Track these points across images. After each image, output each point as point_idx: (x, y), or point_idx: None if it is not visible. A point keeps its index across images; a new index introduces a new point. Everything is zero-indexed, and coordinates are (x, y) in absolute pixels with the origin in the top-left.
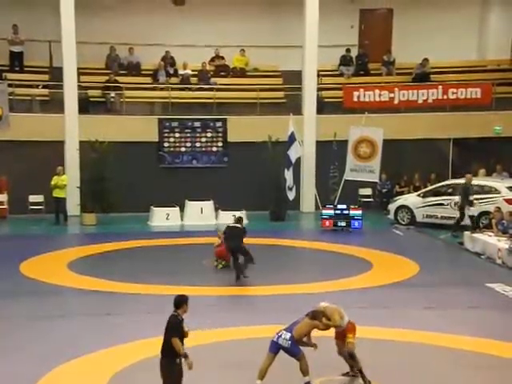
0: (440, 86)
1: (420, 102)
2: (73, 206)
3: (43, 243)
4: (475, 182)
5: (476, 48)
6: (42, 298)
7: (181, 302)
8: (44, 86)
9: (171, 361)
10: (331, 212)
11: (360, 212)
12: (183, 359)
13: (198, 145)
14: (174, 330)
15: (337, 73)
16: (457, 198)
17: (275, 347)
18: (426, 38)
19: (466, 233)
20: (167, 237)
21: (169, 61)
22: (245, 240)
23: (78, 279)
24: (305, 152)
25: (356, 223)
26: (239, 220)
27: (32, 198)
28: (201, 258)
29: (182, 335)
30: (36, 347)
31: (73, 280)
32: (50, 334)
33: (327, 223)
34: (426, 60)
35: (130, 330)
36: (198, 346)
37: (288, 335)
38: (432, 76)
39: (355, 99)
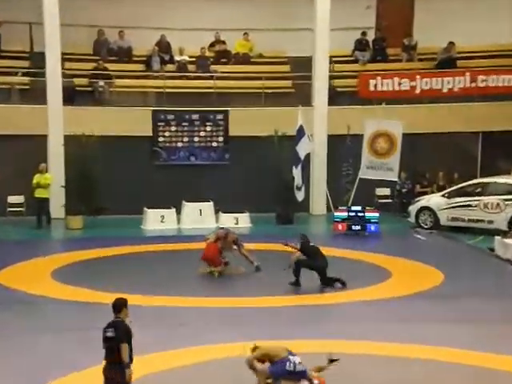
0: (467, 73)
1: (445, 91)
2: (57, 207)
3: (24, 249)
4: (507, 181)
5: (508, 30)
6: (24, 310)
7: (122, 305)
8: (24, 74)
9: (122, 368)
10: (344, 214)
11: (377, 214)
12: (125, 369)
13: (196, 140)
14: (128, 336)
15: (351, 59)
16: (486, 199)
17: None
18: (452, 19)
19: (497, 238)
20: (162, 242)
21: (164, 46)
22: (248, 245)
23: (63, 289)
24: (315, 148)
25: (372, 227)
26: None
27: (11, 199)
28: (198, 265)
29: (131, 342)
30: (19, 364)
31: (57, 290)
32: (34, 349)
33: (340, 227)
34: (451, 44)
35: None
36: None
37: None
38: (458, 62)
39: (372, 88)
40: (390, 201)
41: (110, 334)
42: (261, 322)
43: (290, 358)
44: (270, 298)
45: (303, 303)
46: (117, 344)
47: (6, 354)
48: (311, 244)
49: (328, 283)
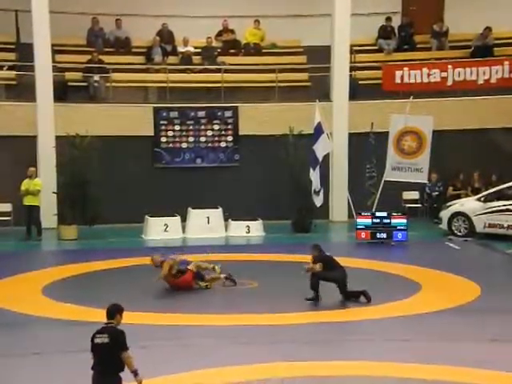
0: (506, 62)
1: (480, 82)
2: (48, 216)
3: (12, 262)
4: None
5: None
6: (11, 330)
7: (117, 311)
8: (10, 67)
9: (117, 378)
10: (368, 221)
11: (404, 221)
12: (135, 377)
13: (202, 140)
14: (124, 343)
15: (375, 48)
16: None
17: None
18: (488, 1)
19: None
20: (165, 253)
21: (166, 36)
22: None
23: (54, 307)
24: (335, 147)
25: (399, 235)
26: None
27: None
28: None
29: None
30: None
31: (48, 308)
32: (22, 375)
33: (363, 235)
34: (488, 29)
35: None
36: None
37: None
38: (496, 49)
39: (398, 81)
40: (418, 205)
41: (102, 340)
42: (277, 342)
43: None
44: (286, 314)
45: (324, 320)
46: (112, 353)
47: None
48: (327, 253)
49: (350, 296)
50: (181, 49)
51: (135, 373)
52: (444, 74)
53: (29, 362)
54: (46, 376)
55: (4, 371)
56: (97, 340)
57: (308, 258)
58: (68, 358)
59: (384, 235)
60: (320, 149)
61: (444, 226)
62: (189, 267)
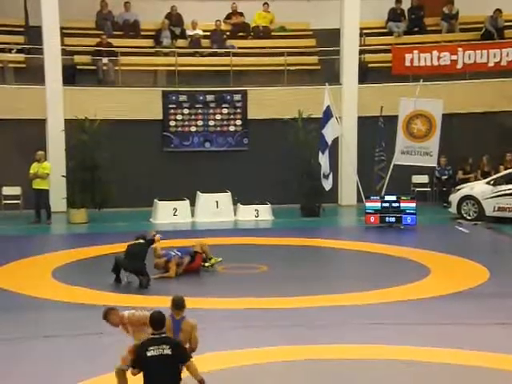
0: None
1: (491, 65)
2: (57, 199)
3: (21, 246)
4: None
5: None
6: (21, 313)
7: (164, 320)
8: (18, 51)
9: None
10: (377, 205)
11: (414, 205)
12: None
13: (211, 123)
14: (187, 351)
15: (384, 31)
16: None
17: None
18: None
19: None
20: (174, 237)
21: (174, 19)
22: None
23: (64, 290)
24: (344, 131)
25: (409, 218)
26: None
27: (6, 191)
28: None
29: None
30: (14, 375)
31: (58, 291)
32: (31, 358)
33: (372, 219)
34: (498, 11)
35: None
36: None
37: None
38: (506, 32)
39: (407, 64)
40: (428, 189)
41: (161, 351)
42: (287, 326)
43: None
44: (295, 298)
45: (333, 304)
46: (173, 364)
47: (7, 362)
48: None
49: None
50: (189, 32)
51: (202, 382)
52: (454, 57)
53: (39, 344)
54: (55, 359)
55: (14, 354)
56: (153, 352)
57: (316, 241)
58: (78, 340)
59: (393, 219)
60: (329, 133)
61: (453, 209)
62: (196, 250)
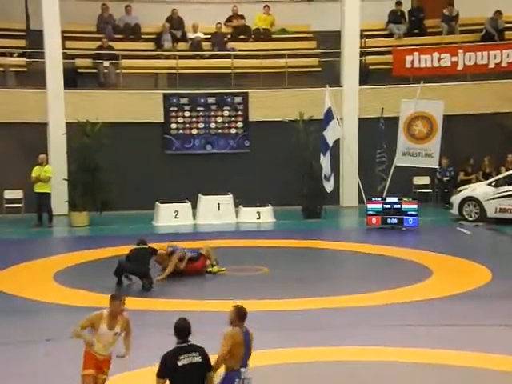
0: None
1: (491, 66)
2: (59, 203)
3: (23, 249)
4: None
5: None
6: (23, 317)
7: (190, 328)
8: (20, 55)
9: None
10: (379, 207)
11: (415, 206)
12: None
13: (212, 126)
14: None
15: (385, 33)
16: None
17: None
18: None
19: None
20: (175, 239)
21: (175, 22)
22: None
23: (65, 293)
24: (345, 133)
25: (410, 220)
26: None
27: (8, 194)
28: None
29: None
30: (15, 378)
31: (60, 295)
32: (33, 362)
33: (374, 220)
34: (498, 13)
35: (132, 355)
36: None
37: None
38: (507, 33)
39: (408, 65)
40: (429, 191)
41: (191, 360)
42: (288, 328)
43: None
44: (297, 300)
45: (335, 306)
46: (203, 372)
47: (9, 365)
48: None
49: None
50: (190, 35)
51: None
52: (454, 59)
53: (41, 348)
54: (57, 362)
55: (16, 357)
56: (184, 361)
57: (318, 243)
58: (79, 344)
59: (395, 221)
60: (330, 134)
61: (455, 211)
62: (201, 252)
